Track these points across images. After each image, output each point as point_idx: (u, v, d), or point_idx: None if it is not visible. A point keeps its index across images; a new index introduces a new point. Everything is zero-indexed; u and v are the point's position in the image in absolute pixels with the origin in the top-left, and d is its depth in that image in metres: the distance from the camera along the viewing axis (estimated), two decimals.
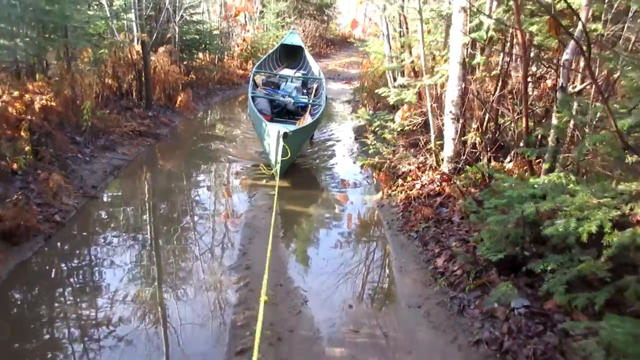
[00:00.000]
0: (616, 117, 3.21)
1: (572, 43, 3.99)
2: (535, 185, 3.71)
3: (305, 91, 10.26)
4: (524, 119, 4.18)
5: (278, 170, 6.37)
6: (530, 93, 6.02)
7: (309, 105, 9.06)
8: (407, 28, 7.71)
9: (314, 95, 10.09)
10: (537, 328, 3.30)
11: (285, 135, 6.21)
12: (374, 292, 4.38)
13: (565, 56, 4.04)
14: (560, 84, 4.06)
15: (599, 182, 3.47)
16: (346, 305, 4.06)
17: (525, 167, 5.06)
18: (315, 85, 10.70)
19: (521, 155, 5.34)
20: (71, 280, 4.34)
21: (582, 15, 4.00)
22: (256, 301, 3.77)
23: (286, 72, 11.51)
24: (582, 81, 5.34)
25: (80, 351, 3.40)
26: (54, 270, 4.47)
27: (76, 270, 4.49)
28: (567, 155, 4.13)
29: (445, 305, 3.89)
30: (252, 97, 8.51)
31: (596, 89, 3.74)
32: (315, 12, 24.22)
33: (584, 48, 3.09)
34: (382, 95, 7.25)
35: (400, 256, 4.85)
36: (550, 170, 4.09)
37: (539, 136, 4.60)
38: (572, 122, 4.26)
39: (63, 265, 4.56)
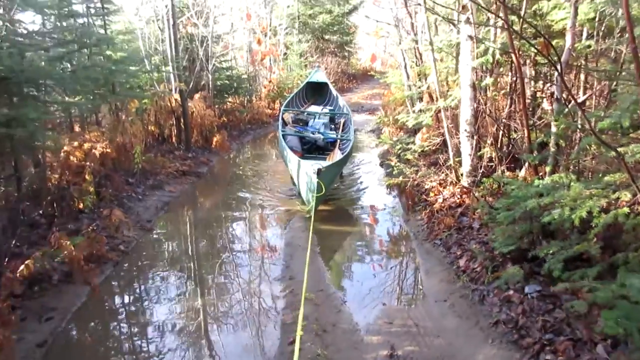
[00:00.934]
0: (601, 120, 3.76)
1: (562, 59, 4.56)
2: (540, 186, 4.24)
3: (332, 126, 10.46)
4: (525, 129, 4.73)
5: (312, 207, 6.37)
6: (540, 105, 6.59)
7: (338, 140, 9.26)
8: (421, 58, 8.38)
9: (342, 130, 10.27)
10: (547, 307, 3.78)
11: (319, 172, 6.32)
12: (404, 292, 4.92)
13: (558, 72, 4.59)
14: (555, 96, 4.61)
15: (593, 178, 3.99)
16: (380, 303, 4.61)
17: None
18: (342, 120, 10.81)
19: (533, 164, 5.86)
20: (138, 297, 5.01)
21: (569, 35, 4.58)
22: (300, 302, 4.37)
23: (313, 108, 11.84)
24: (585, 92, 5.89)
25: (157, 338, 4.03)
26: (122, 290, 5.16)
27: (141, 290, 5.17)
28: (567, 157, 4.64)
29: (467, 297, 4.39)
30: (283, 135, 8.76)
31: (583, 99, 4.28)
32: (336, 49, 25.25)
33: (558, 67, 3.65)
34: (402, 121, 7.87)
35: (427, 261, 5.38)
36: (553, 172, 4.60)
37: (543, 143, 5.11)
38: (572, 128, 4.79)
39: (130, 286, 5.25)
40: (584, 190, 3.70)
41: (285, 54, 20.44)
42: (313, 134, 9.35)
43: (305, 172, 6.70)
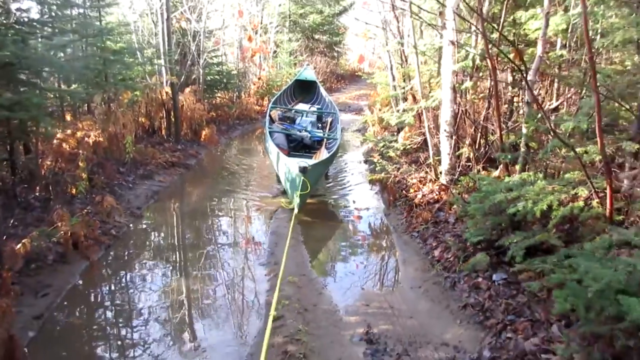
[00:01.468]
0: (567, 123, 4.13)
1: (533, 67, 4.92)
2: (510, 182, 4.60)
3: (320, 125, 10.38)
4: (498, 130, 5.08)
5: (297, 204, 6.54)
6: (517, 109, 6.97)
7: (325, 139, 9.27)
8: (406, 60, 8.73)
9: (329, 129, 10.26)
10: (511, 292, 4.13)
11: (304, 169, 6.34)
12: (382, 278, 5.25)
13: (530, 77, 4.96)
14: (526, 100, 4.96)
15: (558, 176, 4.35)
16: (359, 288, 4.92)
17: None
18: (329, 119, 10.82)
19: (504, 163, 6.22)
20: (129, 277, 5.27)
21: (540, 44, 4.94)
22: (284, 284, 4.69)
23: (301, 106, 11.82)
24: (557, 99, 6.27)
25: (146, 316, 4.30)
26: (114, 271, 5.41)
27: (132, 270, 5.42)
28: (534, 157, 5.01)
29: (440, 284, 4.72)
30: (270, 132, 8.75)
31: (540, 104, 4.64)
32: (325, 49, 25.59)
33: (529, 74, 4.00)
34: (387, 120, 8.20)
35: (404, 252, 5.71)
36: (523, 170, 4.96)
37: (515, 144, 5.48)
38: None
39: (121, 267, 5.50)
40: (547, 186, 4.06)
41: (275, 51, 20.68)
42: (300, 132, 9.35)
43: (291, 170, 6.73)
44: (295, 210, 6.39)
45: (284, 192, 7.74)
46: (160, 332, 4.20)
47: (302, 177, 6.38)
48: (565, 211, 3.59)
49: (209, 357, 3.84)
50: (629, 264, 2.60)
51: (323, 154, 8.49)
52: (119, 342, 4.11)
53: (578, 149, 3.97)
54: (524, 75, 4.17)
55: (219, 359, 3.84)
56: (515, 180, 4.61)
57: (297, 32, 23.91)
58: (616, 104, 4.26)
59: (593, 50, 4.96)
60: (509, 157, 5.05)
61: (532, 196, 3.98)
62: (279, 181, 8.18)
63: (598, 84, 3.61)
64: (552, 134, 4.18)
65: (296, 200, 6.61)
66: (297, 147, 9.09)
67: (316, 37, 25.09)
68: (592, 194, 3.72)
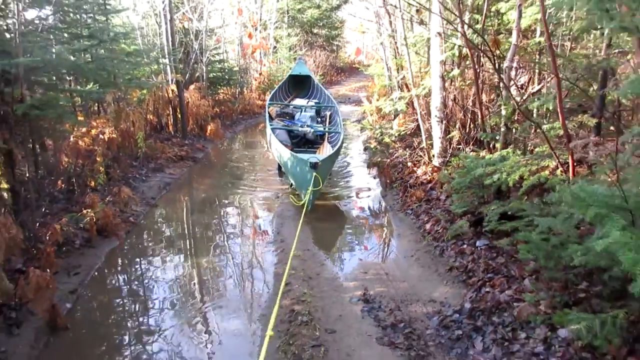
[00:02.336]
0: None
1: (510, 53, 5.40)
2: (490, 159, 5.10)
3: (319, 119, 10.33)
4: (479, 112, 5.57)
5: (309, 201, 6.36)
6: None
7: (326, 133, 9.22)
8: (398, 51, 9.22)
9: (329, 123, 10.20)
10: (492, 255, 4.64)
11: (315, 165, 6.29)
12: (378, 250, 5.78)
13: (506, 64, 5.44)
14: (503, 85, 5.45)
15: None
16: (357, 259, 5.46)
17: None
18: (328, 113, 10.74)
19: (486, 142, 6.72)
20: (148, 258, 5.82)
21: (515, 33, 5.42)
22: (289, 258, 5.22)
23: (298, 101, 11.79)
24: (540, 83, 6.75)
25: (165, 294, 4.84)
26: (134, 253, 5.96)
27: (150, 252, 5.97)
28: (512, 136, 5.51)
29: (430, 252, 5.25)
30: (271, 129, 8.68)
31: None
32: (324, 43, 26.05)
33: (493, 61, 4.49)
34: (383, 109, 8.70)
35: (399, 227, 6.24)
36: (503, 148, 5.45)
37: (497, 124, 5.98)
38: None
39: (141, 250, 6.05)
40: (520, 159, 4.56)
41: (275, 47, 21.15)
42: (302, 127, 9.28)
43: (301, 166, 6.64)
44: (308, 207, 6.27)
45: (291, 187, 7.88)
46: (179, 300, 4.73)
47: (314, 173, 6.30)
48: (534, 180, 4.09)
49: (225, 314, 4.40)
50: (570, 213, 3.10)
51: (327, 148, 8.48)
52: (142, 310, 4.65)
53: (546, 126, 4.47)
54: (494, 62, 4.66)
55: (235, 316, 4.38)
56: (495, 157, 5.11)
57: (296, 27, 24.33)
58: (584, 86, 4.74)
59: (568, 37, 5.46)
60: (489, 136, 5.55)
61: (507, 169, 4.48)
62: (279, 174, 8.47)
63: (565, 67, 4.11)
64: (521, 114, 4.68)
65: (309, 197, 6.42)
66: (299, 142, 9.02)
67: (315, 31, 25.54)
68: (557, 164, 4.22)
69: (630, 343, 3.01)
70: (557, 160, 4.19)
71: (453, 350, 3.63)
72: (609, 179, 3.17)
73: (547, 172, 4.13)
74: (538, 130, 4.80)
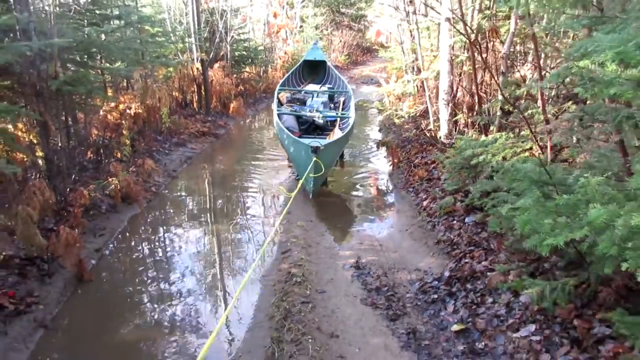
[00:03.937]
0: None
1: (507, 41, 5.67)
2: (485, 141, 5.43)
3: (332, 105, 10.00)
4: (476, 97, 5.87)
5: (310, 188, 6.31)
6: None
7: (338, 119, 8.77)
8: (412, 35, 9.47)
9: (342, 109, 9.79)
10: (477, 230, 5.01)
11: (316, 150, 6.03)
12: (376, 224, 6.19)
13: (503, 51, 5.72)
14: (501, 70, 5.73)
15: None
16: (356, 231, 5.89)
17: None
18: (342, 99, 10.34)
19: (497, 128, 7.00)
20: (167, 224, 6.38)
21: (513, 20, 5.67)
22: (294, 228, 5.70)
23: (311, 87, 11.30)
24: (543, 69, 6.96)
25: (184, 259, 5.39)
26: (154, 219, 6.53)
27: (169, 219, 6.53)
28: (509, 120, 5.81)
29: (423, 227, 5.64)
30: (278, 115, 8.39)
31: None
32: (350, 22, 26.14)
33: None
34: (394, 90, 9.01)
35: (399, 204, 6.64)
36: (498, 131, 5.77)
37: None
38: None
39: (161, 216, 6.62)
40: (507, 142, 4.89)
41: (301, 26, 21.42)
42: (310, 112, 8.88)
43: (302, 151, 6.39)
44: (310, 196, 6.24)
45: (297, 178, 7.45)
46: (193, 264, 5.26)
47: (315, 158, 6.08)
48: (514, 161, 4.42)
49: (230, 273, 4.92)
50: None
51: (337, 135, 8.12)
52: (158, 269, 5.20)
53: (532, 110, 4.77)
54: (484, 49, 4.94)
55: (240, 275, 4.91)
56: (489, 139, 5.44)
57: (323, 7, 24.50)
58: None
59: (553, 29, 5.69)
60: (485, 120, 5.85)
61: (494, 150, 4.82)
62: (289, 164, 8.40)
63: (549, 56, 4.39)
64: (502, 97, 4.99)
65: (309, 184, 6.36)
66: (309, 129, 8.67)
67: (342, 10, 25.63)
68: (535, 146, 4.54)
69: (578, 308, 3.38)
70: (536, 143, 4.50)
71: (427, 312, 4.05)
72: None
73: (527, 153, 4.45)
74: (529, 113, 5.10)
